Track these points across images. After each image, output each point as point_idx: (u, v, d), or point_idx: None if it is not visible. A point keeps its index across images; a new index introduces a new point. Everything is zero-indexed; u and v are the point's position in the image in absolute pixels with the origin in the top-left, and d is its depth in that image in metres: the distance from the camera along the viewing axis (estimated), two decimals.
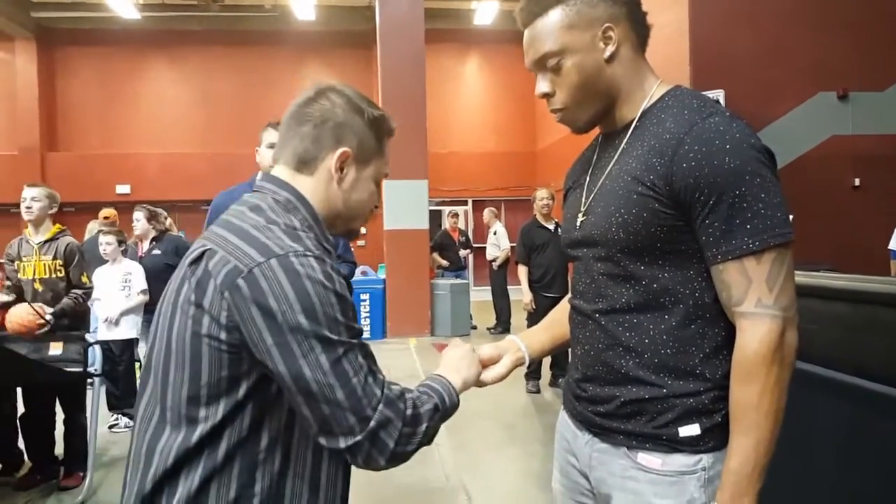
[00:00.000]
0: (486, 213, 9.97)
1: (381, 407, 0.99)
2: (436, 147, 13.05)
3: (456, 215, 10.20)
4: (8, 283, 3.70)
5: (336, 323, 0.99)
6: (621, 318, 1.20)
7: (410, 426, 1.03)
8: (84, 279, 3.83)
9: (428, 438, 1.07)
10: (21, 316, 3.47)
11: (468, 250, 10.25)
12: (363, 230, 2.93)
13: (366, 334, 8.33)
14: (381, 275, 8.96)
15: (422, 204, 8.64)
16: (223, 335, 1.00)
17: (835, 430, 2.03)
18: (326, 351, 0.97)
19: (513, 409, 5.31)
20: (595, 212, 1.23)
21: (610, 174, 1.23)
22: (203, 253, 1.05)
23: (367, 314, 8.59)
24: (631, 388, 1.18)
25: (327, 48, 14.28)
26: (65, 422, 3.83)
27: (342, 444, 0.99)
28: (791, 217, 2.71)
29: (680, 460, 1.14)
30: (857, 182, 8.18)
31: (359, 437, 0.98)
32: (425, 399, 1.10)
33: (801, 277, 2.32)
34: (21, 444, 3.90)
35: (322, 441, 1.00)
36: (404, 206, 8.52)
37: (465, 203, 14.37)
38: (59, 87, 14.03)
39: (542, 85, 1.25)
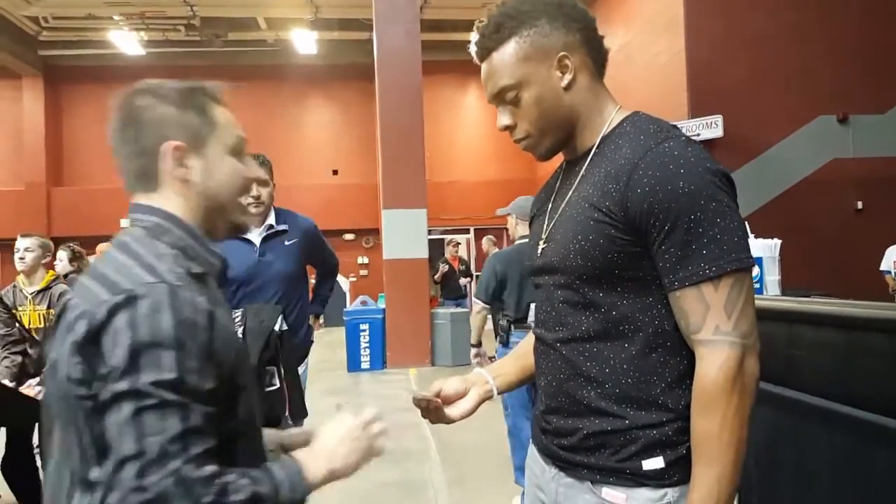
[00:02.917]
0: (485, 242, 9.97)
1: (166, 481, 0.83)
2: (437, 176, 13.12)
3: (457, 244, 10.20)
4: (3, 329, 3.67)
5: (157, 371, 0.87)
6: (582, 346, 1.17)
7: None
8: None
9: None
10: None
11: (468, 278, 10.22)
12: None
13: (365, 365, 8.36)
14: (381, 304, 8.92)
15: (420, 233, 8.64)
16: (82, 390, 0.90)
17: (825, 459, 1.97)
18: (134, 399, 0.86)
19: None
20: (555, 239, 1.22)
21: (570, 201, 1.21)
22: (66, 304, 0.99)
23: (367, 344, 8.54)
24: (593, 419, 1.15)
25: (329, 81, 14.47)
26: (43, 463, 3.74)
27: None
28: (778, 242, 2.68)
29: (645, 495, 1.11)
30: (859, 205, 8.14)
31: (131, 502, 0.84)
32: (243, 486, 0.90)
33: (790, 303, 2.29)
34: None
35: (97, 494, 0.88)
36: (403, 235, 8.51)
37: (468, 231, 14.39)
38: (65, 123, 14.26)
39: (503, 118, 1.24)
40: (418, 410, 1.33)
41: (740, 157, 7.53)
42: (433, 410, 1.32)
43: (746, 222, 2.68)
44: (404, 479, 4.32)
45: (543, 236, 1.26)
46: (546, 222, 1.27)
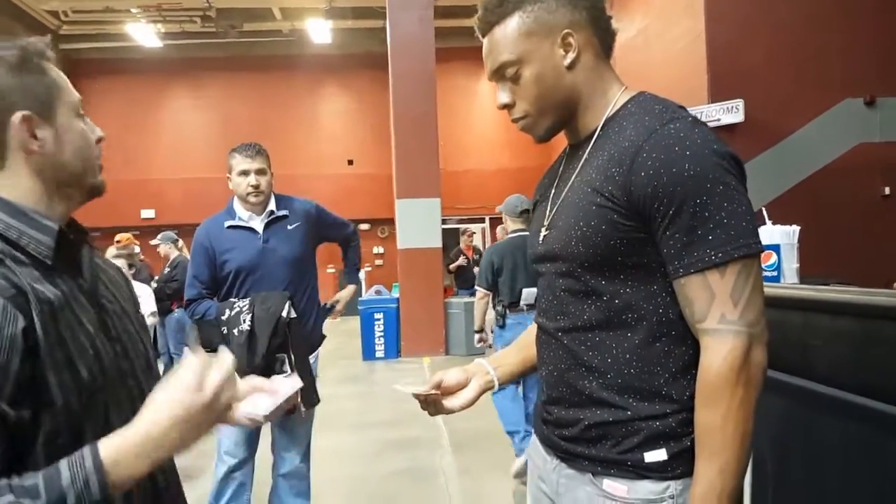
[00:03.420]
0: (499, 231, 9.89)
1: None
2: (452, 165, 13.06)
3: (472, 234, 10.16)
4: None
5: None
6: (583, 336, 1.14)
7: None
8: None
9: None
10: None
11: None
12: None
13: (380, 353, 8.39)
14: (395, 294, 8.94)
15: (434, 222, 8.62)
16: None
17: (840, 451, 1.92)
18: None
19: None
20: (557, 226, 1.18)
21: (572, 186, 1.18)
22: None
23: (382, 333, 8.58)
24: (595, 410, 1.12)
25: (343, 70, 14.46)
26: None
27: None
28: (797, 228, 2.60)
29: (647, 487, 1.08)
30: (886, 191, 7.95)
31: None
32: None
33: (807, 291, 2.23)
34: None
35: None
36: (417, 224, 8.50)
37: (483, 220, 14.34)
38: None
39: (502, 95, 1.20)
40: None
41: (762, 142, 7.37)
42: (432, 402, 1.31)
43: (765, 209, 2.60)
44: (415, 467, 4.33)
45: (546, 223, 1.22)
46: (549, 208, 1.24)
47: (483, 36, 1.20)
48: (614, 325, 1.11)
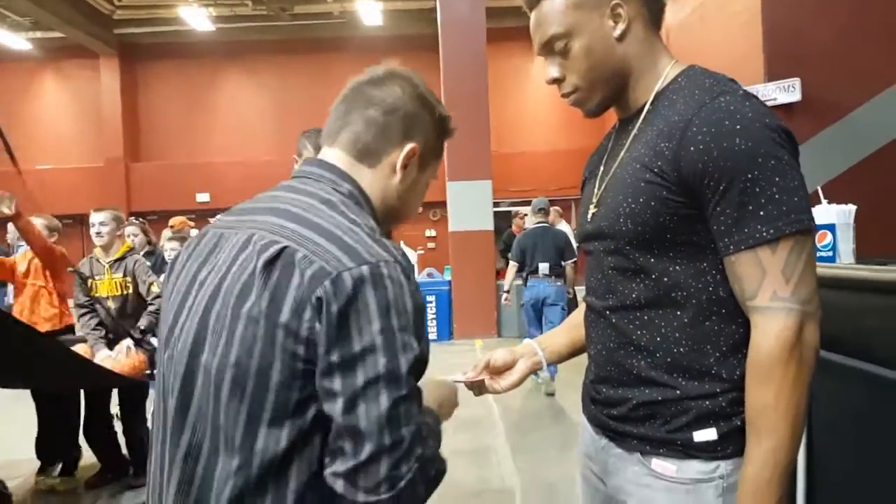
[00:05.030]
0: (552, 213, 9.82)
1: (416, 467, 0.85)
2: (505, 147, 12.99)
3: (523, 216, 10.09)
4: (83, 298, 3.87)
5: (410, 357, 0.86)
6: (632, 315, 1.13)
7: (425, 488, 0.89)
8: (154, 287, 3.93)
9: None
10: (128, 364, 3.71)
11: None
12: None
13: (432, 336, 8.46)
14: (448, 276, 8.98)
15: (486, 205, 8.60)
16: (301, 350, 0.85)
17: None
18: (390, 388, 0.84)
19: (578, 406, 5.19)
20: (605, 203, 1.17)
21: (621, 162, 1.16)
22: (279, 252, 0.88)
23: (434, 316, 8.65)
24: (644, 389, 1.12)
25: (394, 52, 14.40)
26: (123, 429, 3.92)
27: (361, 498, 0.83)
28: (853, 208, 2.49)
29: (696, 467, 1.07)
30: None
31: (382, 496, 0.83)
32: (438, 458, 0.94)
33: (863, 272, 2.15)
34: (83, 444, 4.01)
35: (339, 487, 0.84)
36: (468, 207, 8.50)
37: None
38: (141, 100, 14.84)
39: (552, 70, 1.19)
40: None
41: (820, 121, 7.09)
42: (477, 385, 1.34)
43: (822, 189, 2.53)
44: (467, 448, 4.36)
45: (594, 200, 1.21)
46: (597, 186, 1.22)
47: (530, 10, 1.19)
48: (663, 304, 1.09)
